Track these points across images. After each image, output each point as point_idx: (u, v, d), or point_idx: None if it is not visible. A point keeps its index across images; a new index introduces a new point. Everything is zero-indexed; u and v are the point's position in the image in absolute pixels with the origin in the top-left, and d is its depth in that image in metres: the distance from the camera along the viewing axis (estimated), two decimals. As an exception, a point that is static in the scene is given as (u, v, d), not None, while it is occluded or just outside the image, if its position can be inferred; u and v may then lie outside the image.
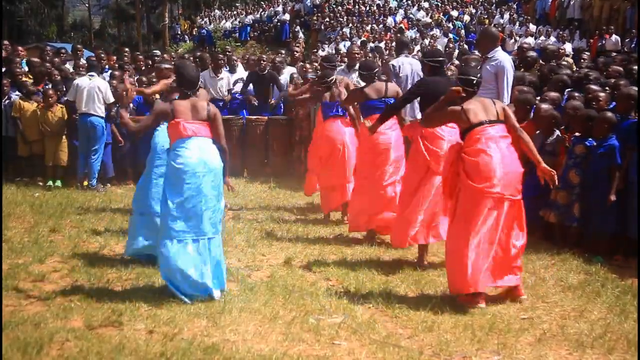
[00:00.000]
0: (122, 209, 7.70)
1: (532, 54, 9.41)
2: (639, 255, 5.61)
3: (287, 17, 26.42)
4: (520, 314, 4.56)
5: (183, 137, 4.75)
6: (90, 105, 8.74)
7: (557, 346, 4.03)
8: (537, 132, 6.52)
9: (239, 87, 10.43)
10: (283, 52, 13.15)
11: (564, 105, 6.85)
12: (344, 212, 7.28)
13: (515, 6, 22.65)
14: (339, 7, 25.37)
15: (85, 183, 8.98)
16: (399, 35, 17.75)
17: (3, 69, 9.57)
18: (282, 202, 8.32)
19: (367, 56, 13.89)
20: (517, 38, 18.29)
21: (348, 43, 18.20)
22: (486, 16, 21.73)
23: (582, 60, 11.21)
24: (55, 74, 9.82)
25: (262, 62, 10.41)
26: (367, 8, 25.23)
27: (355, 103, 6.80)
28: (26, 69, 10.25)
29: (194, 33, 30.89)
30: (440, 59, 5.85)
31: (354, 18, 23.91)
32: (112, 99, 8.96)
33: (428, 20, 22.58)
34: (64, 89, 9.48)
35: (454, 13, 23.28)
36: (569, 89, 7.48)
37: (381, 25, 22.26)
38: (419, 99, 5.70)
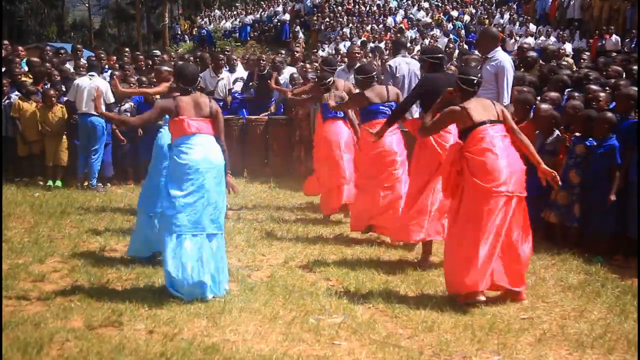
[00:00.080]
0: (122, 209, 7.70)
1: (533, 54, 9.40)
2: (639, 255, 5.61)
3: (287, 17, 26.43)
4: (520, 314, 4.56)
5: (187, 134, 4.77)
6: (90, 105, 8.73)
7: (557, 346, 4.03)
8: (537, 132, 6.53)
9: (238, 86, 10.43)
10: (283, 52, 13.15)
11: (563, 105, 6.85)
12: (345, 213, 7.28)
13: (515, 6, 22.65)
14: (339, 7, 25.36)
15: (86, 183, 8.99)
16: (399, 35, 17.77)
17: (3, 69, 9.58)
18: (282, 202, 8.32)
19: (367, 56, 13.91)
20: (517, 38, 18.29)
21: (348, 43, 18.21)
22: (486, 16, 21.73)
23: (582, 61, 11.22)
24: (55, 74, 9.82)
25: (262, 62, 10.41)
26: (367, 8, 25.23)
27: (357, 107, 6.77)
28: (26, 69, 10.25)
29: (194, 33, 30.89)
30: (440, 55, 5.87)
31: (354, 18, 23.91)
32: (112, 99, 8.97)
33: (428, 20, 22.58)
34: (64, 89, 9.50)
35: (454, 13, 23.27)
36: (569, 89, 7.48)
37: (381, 26, 22.27)
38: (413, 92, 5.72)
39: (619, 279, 5.34)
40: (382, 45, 18.01)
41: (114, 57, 12.22)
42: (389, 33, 20.68)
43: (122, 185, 9.40)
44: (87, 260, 5.64)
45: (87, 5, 41.88)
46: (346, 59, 9.87)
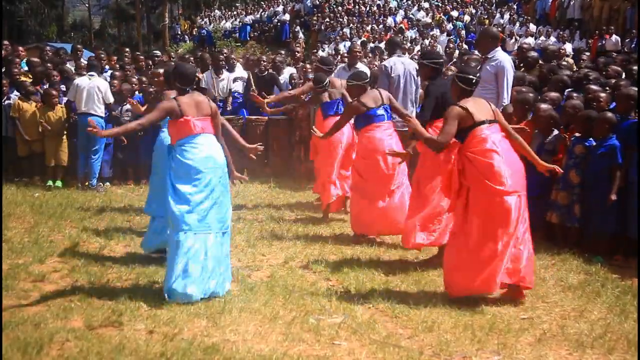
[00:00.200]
0: (122, 209, 7.71)
1: (533, 54, 9.40)
2: (639, 255, 5.62)
3: (287, 17, 26.42)
4: (520, 314, 4.56)
5: (192, 134, 4.77)
6: (89, 105, 8.76)
7: (557, 346, 4.03)
8: (536, 131, 6.53)
9: (238, 85, 10.42)
10: (283, 52, 13.15)
11: (563, 105, 6.85)
12: (345, 211, 7.30)
13: (515, 6, 22.65)
14: (339, 7, 25.36)
15: (86, 183, 8.98)
16: (393, 35, 17.77)
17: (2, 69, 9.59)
18: (282, 202, 8.32)
19: (368, 56, 13.90)
20: (517, 38, 18.29)
21: (348, 43, 18.21)
22: (486, 16, 21.73)
23: (582, 61, 11.22)
24: (54, 74, 9.82)
25: (262, 62, 10.41)
26: (367, 8, 25.24)
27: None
28: (26, 69, 10.25)
29: (194, 33, 30.89)
30: (441, 61, 5.87)
31: (354, 18, 23.92)
32: (111, 99, 8.98)
33: (428, 20, 22.58)
34: (64, 89, 9.49)
35: (454, 13, 23.28)
36: (569, 89, 7.48)
37: (381, 26, 22.26)
38: (429, 103, 5.67)
39: (619, 279, 5.34)
40: (382, 45, 18.01)
41: (115, 57, 12.22)
42: (389, 33, 20.67)
43: (122, 185, 9.40)
44: (87, 260, 5.64)
45: (87, 5, 41.90)
46: (347, 59, 9.87)
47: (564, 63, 10.13)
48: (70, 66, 10.62)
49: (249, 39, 27.32)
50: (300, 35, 24.18)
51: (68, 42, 28.03)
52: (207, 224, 4.74)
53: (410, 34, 20.74)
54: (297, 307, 4.57)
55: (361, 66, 8.96)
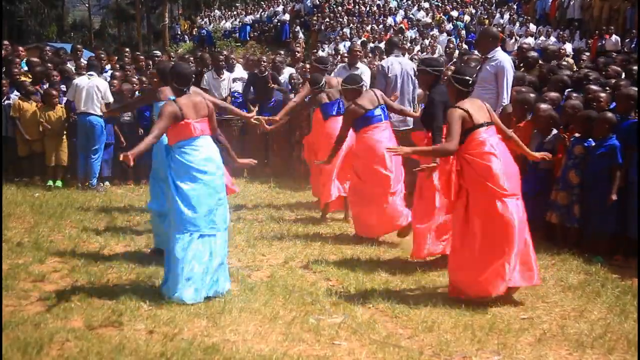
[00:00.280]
0: (122, 209, 7.71)
1: (533, 54, 9.40)
2: (639, 255, 5.62)
3: (287, 17, 26.42)
4: (520, 314, 4.56)
5: (192, 137, 4.77)
6: (89, 104, 8.75)
7: (557, 346, 4.03)
8: (535, 131, 6.53)
9: (237, 85, 10.41)
10: (283, 52, 13.15)
11: (562, 105, 6.85)
12: (346, 210, 7.29)
13: (515, 6, 22.65)
14: (339, 7, 25.36)
15: (87, 183, 8.98)
16: (399, 35, 17.77)
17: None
18: (282, 202, 8.32)
19: (367, 56, 13.90)
20: (517, 38, 18.29)
21: (348, 43, 18.20)
22: (486, 16, 21.73)
23: (582, 61, 11.21)
24: (54, 74, 9.82)
25: (262, 62, 10.39)
26: (367, 8, 25.23)
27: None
28: (26, 69, 10.25)
29: (194, 33, 30.88)
30: (442, 68, 5.90)
31: (354, 18, 23.91)
32: (111, 99, 8.96)
33: (428, 20, 22.58)
34: (64, 89, 9.49)
35: (454, 13, 23.28)
36: (569, 89, 7.48)
37: (381, 26, 22.26)
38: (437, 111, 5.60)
39: (619, 279, 5.34)
40: (382, 45, 18.00)
41: (115, 57, 12.23)
42: (389, 33, 20.67)
43: (122, 185, 9.40)
44: (87, 260, 5.64)
45: (87, 5, 41.89)
46: (347, 58, 9.87)
47: (564, 63, 10.13)
48: (70, 66, 10.62)
49: (248, 39, 27.32)
50: (300, 35, 24.17)
51: (68, 42, 28.02)
52: (214, 223, 4.76)
53: (410, 34, 20.73)
54: (297, 307, 4.58)
55: (361, 66, 8.96)
